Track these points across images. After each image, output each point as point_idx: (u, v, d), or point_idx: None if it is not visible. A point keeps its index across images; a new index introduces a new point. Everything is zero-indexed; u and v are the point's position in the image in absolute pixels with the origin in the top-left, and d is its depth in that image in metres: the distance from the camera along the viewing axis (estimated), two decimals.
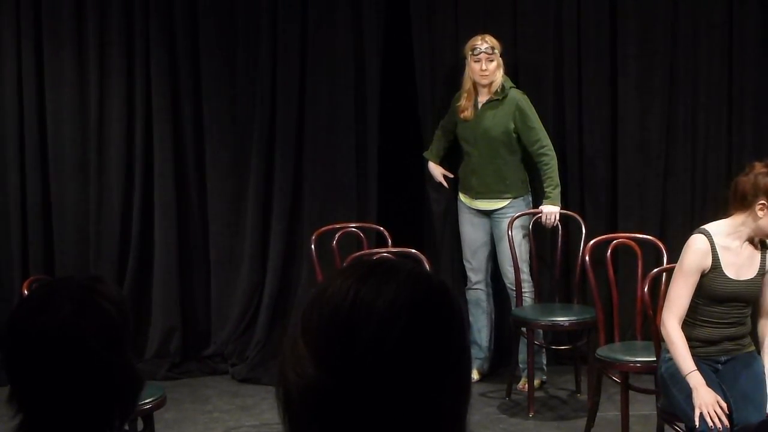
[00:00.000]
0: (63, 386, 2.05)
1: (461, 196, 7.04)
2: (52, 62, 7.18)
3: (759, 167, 4.80)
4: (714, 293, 4.85)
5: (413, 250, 5.93)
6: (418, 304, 1.43)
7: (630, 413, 5.56)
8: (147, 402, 4.94)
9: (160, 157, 7.26)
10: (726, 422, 4.56)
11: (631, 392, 5.55)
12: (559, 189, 6.82)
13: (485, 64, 6.75)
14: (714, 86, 7.27)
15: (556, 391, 6.93)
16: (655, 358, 5.13)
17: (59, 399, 2.05)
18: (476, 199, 6.95)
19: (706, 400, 4.60)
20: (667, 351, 4.91)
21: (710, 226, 4.91)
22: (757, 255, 4.88)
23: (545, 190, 6.81)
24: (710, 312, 4.88)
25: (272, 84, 7.29)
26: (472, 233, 7.01)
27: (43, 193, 7.24)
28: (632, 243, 6.08)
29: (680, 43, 7.25)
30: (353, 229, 6.74)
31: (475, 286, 7.04)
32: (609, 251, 6.06)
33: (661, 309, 5.14)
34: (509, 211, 6.84)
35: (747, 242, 4.88)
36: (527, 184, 6.96)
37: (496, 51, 6.77)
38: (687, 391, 4.70)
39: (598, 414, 5.93)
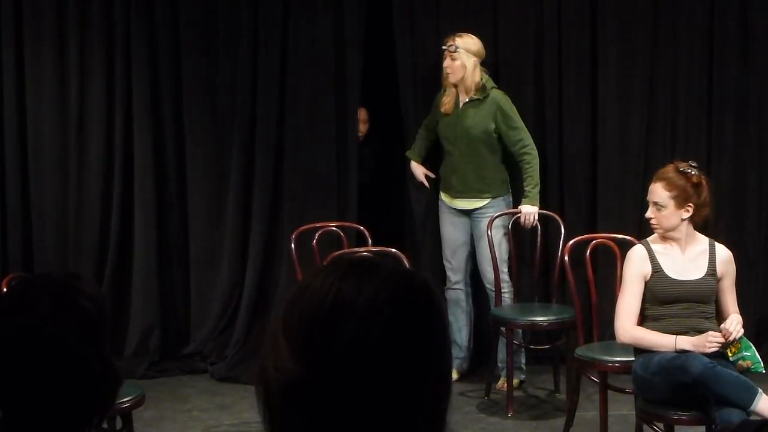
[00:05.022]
0: (42, 383, 2.05)
1: (442, 195, 7.05)
2: (32, 60, 7.16)
3: None
4: (659, 295, 5.06)
5: (393, 249, 5.93)
6: (398, 301, 1.43)
7: (609, 413, 5.57)
8: (126, 400, 4.92)
9: (140, 155, 7.24)
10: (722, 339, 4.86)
11: (609, 392, 5.57)
12: (538, 188, 6.84)
13: (447, 61, 6.81)
14: (694, 86, 7.30)
15: (534, 390, 6.94)
16: (633, 358, 5.16)
17: (38, 396, 2.05)
18: (456, 198, 6.95)
19: (701, 340, 4.85)
20: (638, 353, 5.02)
21: (649, 237, 5.20)
22: (705, 255, 5.06)
23: (525, 189, 6.82)
24: (658, 315, 5.03)
25: (253, 82, 7.28)
26: (452, 233, 7.01)
27: (23, 190, 7.22)
28: (611, 243, 6.09)
29: (660, 43, 7.28)
30: (333, 229, 6.72)
31: (454, 286, 7.04)
32: (588, 251, 6.07)
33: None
34: (489, 211, 6.85)
35: (689, 245, 5.10)
36: (507, 183, 6.97)
37: (460, 50, 6.78)
38: (662, 365, 4.82)
39: (576, 413, 5.94)
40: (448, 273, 7.06)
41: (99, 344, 2.11)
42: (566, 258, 6.00)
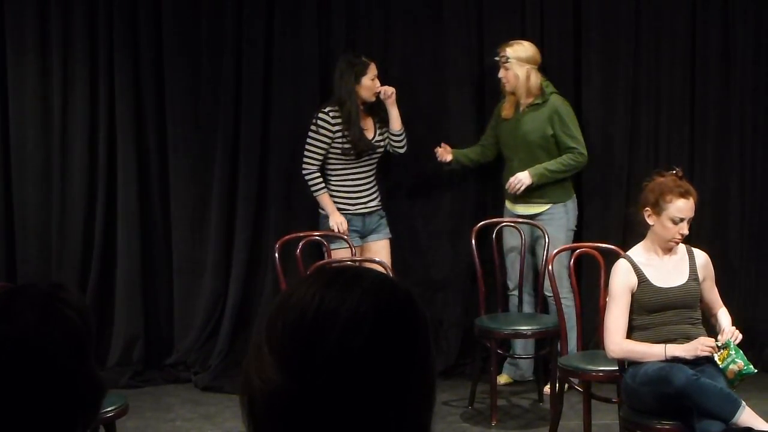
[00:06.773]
0: (25, 394, 2.04)
1: (506, 203, 7.02)
2: (14, 69, 7.14)
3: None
4: (646, 305, 5.08)
5: (377, 259, 5.92)
6: (382, 311, 1.44)
7: (592, 422, 5.57)
8: (109, 410, 4.91)
9: (123, 164, 7.23)
10: (714, 344, 4.89)
11: (593, 401, 5.58)
12: (548, 174, 6.75)
13: (501, 71, 6.83)
14: (676, 95, 7.32)
15: (518, 400, 6.94)
16: (617, 367, 5.17)
17: (21, 407, 2.04)
18: (517, 203, 6.92)
19: (693, 345, 4.88)
20: (629, 364, 5.03)
21: (630, 250, 5.25)
22: (685, 261, 5.10)
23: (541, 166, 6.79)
24: (646, 324, 5.04)
25: (236, 91, 7.28)
26: (509, 239, 6.98)
27: (6, 200, 7.20)
28: (595, 252, 6.09)
29: (643, 52, 7.29)
30: (317, 238, 6.72)
31: (511, 292, 7.01)
32: (572, 261, 6.08)
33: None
34: (545, 217, 6.83)
35: (669, 254, 5.16)
36: (570, 189, 6.95)
37: (511, 60, 6.76)
38: (648, 375, 4.85)
39: (560, 423, 5.93)
40: (507, 280, 7.05)
41: (83, 355, 2.11)
42: (550, 267, 6.01)
